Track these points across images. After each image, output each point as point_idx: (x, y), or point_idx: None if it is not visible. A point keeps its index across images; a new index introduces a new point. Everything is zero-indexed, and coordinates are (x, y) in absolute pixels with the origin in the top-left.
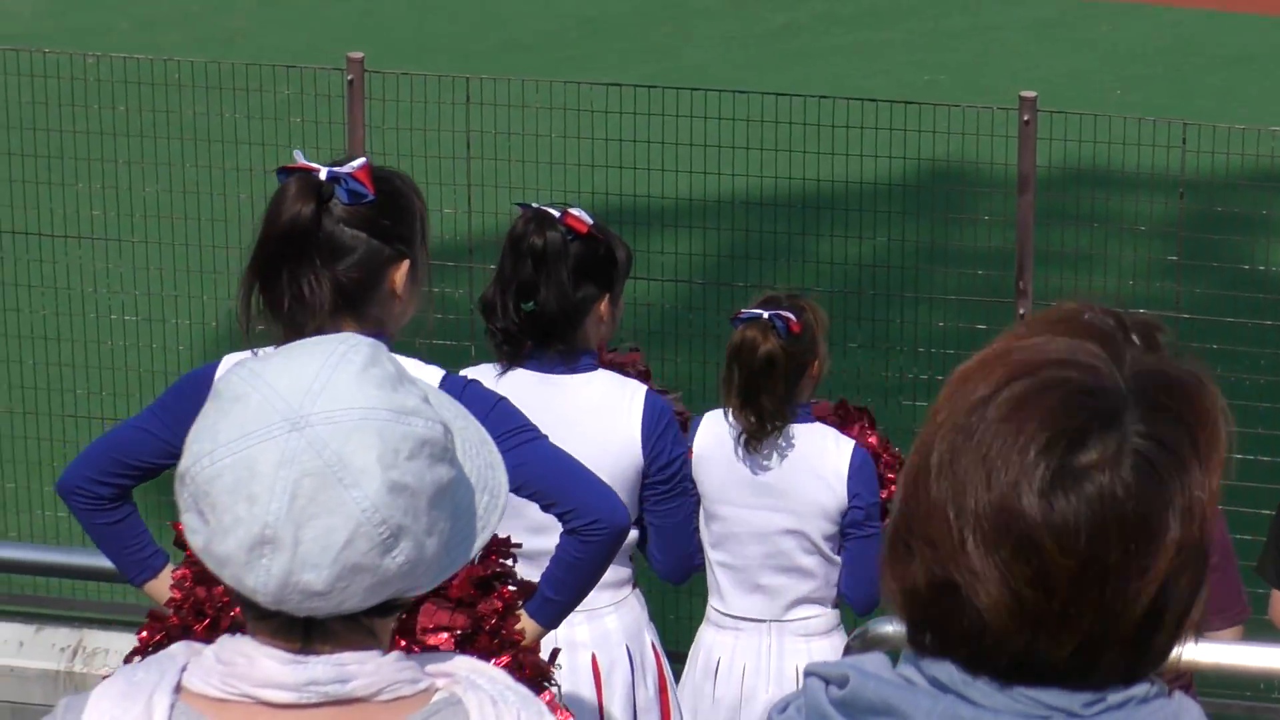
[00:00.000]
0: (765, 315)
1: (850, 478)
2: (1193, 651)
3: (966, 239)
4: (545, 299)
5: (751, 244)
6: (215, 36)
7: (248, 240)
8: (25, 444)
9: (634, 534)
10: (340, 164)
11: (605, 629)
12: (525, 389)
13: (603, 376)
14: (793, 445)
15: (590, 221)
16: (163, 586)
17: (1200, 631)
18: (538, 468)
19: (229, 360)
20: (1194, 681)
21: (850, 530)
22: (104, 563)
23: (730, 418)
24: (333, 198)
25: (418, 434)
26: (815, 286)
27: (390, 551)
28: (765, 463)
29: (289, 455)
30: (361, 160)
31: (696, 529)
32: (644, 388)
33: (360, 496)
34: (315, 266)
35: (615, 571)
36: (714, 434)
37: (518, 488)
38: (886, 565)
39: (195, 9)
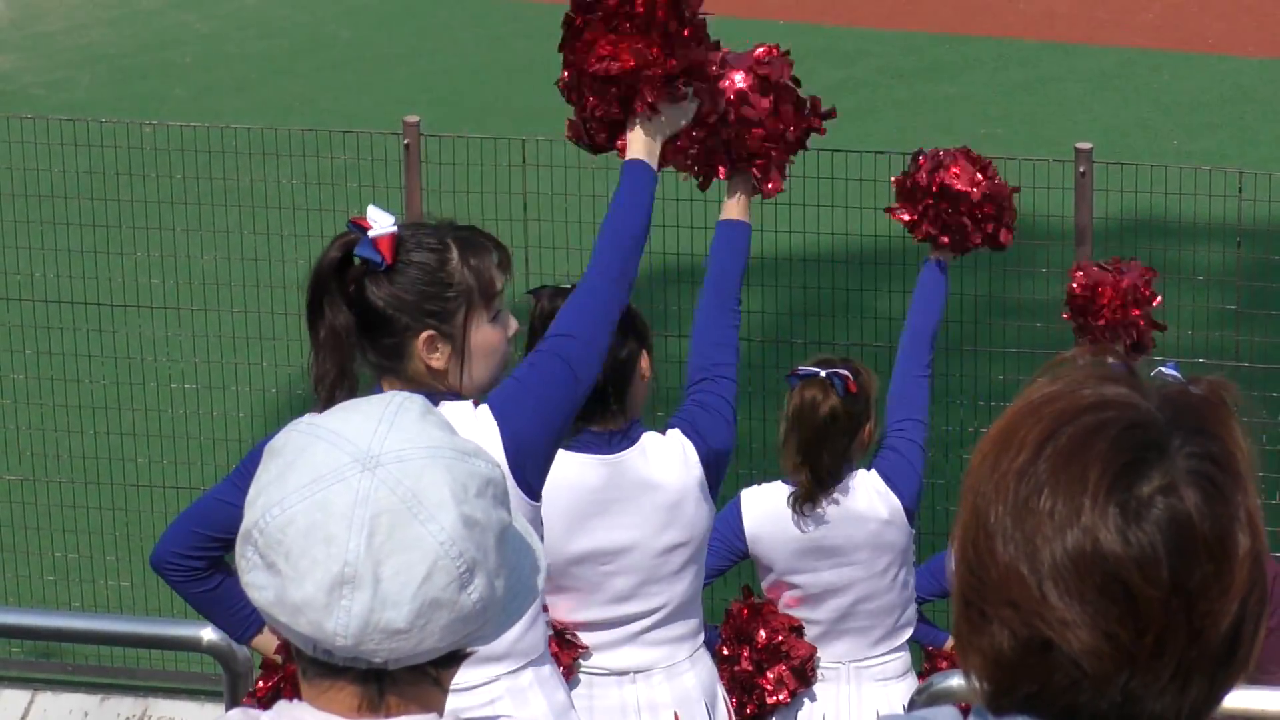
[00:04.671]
0: (823, 374)
1: (900, 497)
2: (1254, 700)
3: (1025, 291)
4: None
5: (810, 300)
6: (272, 103)
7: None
8: (88, 514)
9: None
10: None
11: (685, 687)
12: (588, 475)
13: (650, 439)
14: (849, 498)
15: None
16: (270, 639)
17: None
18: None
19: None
20: None
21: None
22: (168, 631)
23: (786, 478)
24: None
25: (481, 472)
26: (875, 342)
27: (466, 587)
28: (827, 524)
29: (364, 494)
30: (391, 227)
31: None
32: (677, 431)
33: (437, 530)
34: (336, 315)
35: (687, 624)
36: (764, 510)
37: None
38: (963, 638)
39: (253, 76)
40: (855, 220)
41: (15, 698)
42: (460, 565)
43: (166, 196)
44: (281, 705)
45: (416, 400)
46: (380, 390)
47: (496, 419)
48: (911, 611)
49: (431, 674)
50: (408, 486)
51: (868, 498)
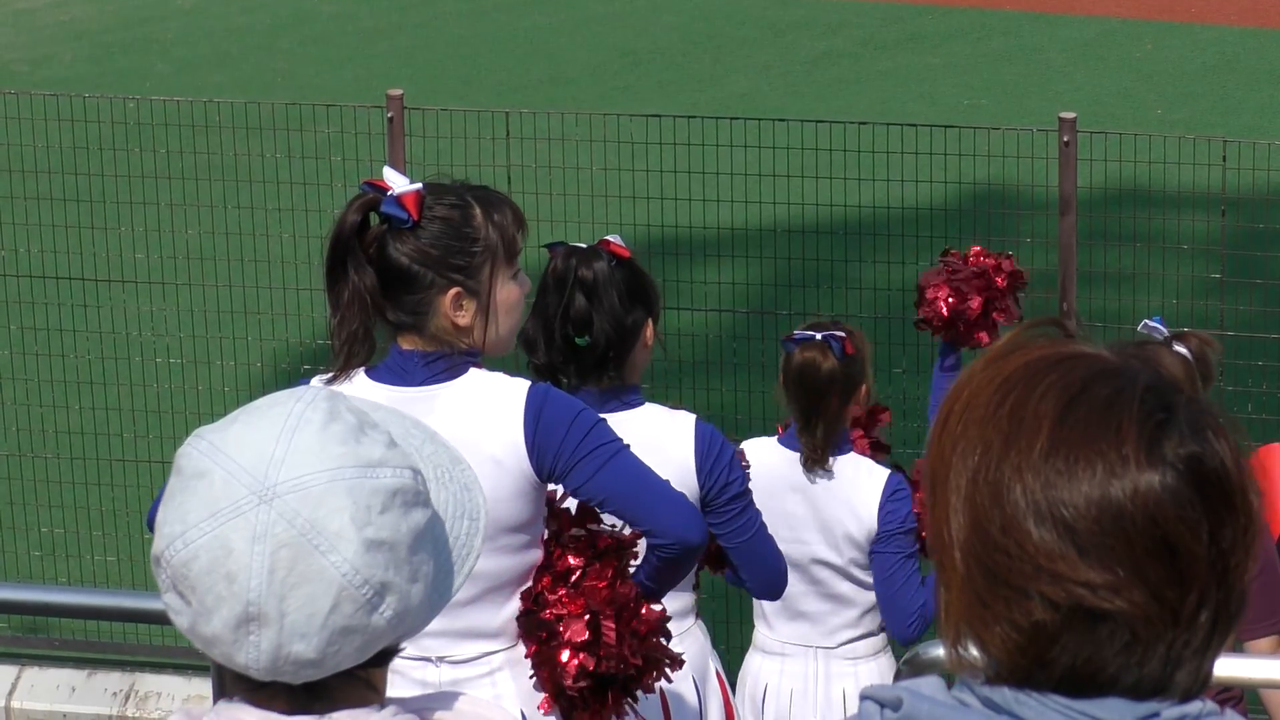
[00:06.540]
0: (819, 336)
1: (881, 506)
2: (1242, 668)
3: None
4: (599, 330)
5: (794, 272)
6: (256, 78)
7: (291, 280)
8: (73, 489)
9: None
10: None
11: None
12: None
13: (651, 410)
14: (831, 475)
15: (628, 247)
16: None
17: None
18: (619, 487)
19: (315, 383)
20: (1244, 697)
21: (875, 549)
22: (155, 605)
23: (794, 440)
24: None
25: (387, 485)
26: (859, 313)
27: (377, 609)
28: (804, 494)
29: (262, 529)
30: (415, 185)
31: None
32: (693, 416)
33: (339, 561)
34: (362, 276)
35: (678, 599)
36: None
37: (600, 503)
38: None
39: (235, 51)
40: (839, 191)
41: (2, 673)
42: (367, 591)
43: (150, 171)
44: (222, 704)
45: (320, 406)
46: (398, 348)
47: (526, 410)
48: (875, 616)
49: (360, 676)
50: (305, 517)
51: (854, 482)
